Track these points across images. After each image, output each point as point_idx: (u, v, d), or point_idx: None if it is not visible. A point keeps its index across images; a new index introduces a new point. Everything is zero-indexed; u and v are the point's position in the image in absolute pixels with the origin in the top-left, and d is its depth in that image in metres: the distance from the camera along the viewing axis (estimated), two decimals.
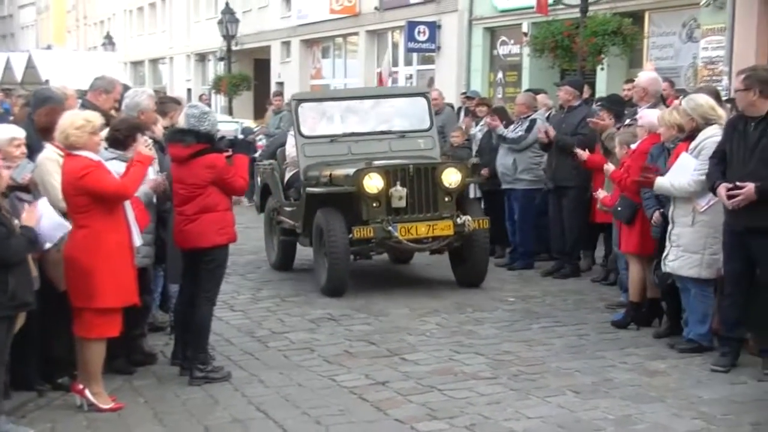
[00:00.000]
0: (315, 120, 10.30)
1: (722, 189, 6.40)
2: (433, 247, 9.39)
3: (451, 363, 6.93)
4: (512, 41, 20.78)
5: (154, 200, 6.85)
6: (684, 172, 6.82)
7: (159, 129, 7.40)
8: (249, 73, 32.26)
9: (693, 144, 6.91)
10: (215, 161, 6.53)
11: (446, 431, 5.57)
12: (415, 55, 24.20)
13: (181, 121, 6.85)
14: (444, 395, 6.20)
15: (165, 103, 8.16)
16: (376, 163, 9.33)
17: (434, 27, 22.53)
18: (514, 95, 15.34)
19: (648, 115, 7.87)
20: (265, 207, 11.18)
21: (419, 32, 22.48)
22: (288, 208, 10.28)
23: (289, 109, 17.93)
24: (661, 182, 6.96)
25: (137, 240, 6.16)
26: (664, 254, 7.04)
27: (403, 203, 9.07)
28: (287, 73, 31.32)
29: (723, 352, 6.68)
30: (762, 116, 6.37)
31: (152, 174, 6.73)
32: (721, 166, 6.53)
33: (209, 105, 19.71)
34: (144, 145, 6.33)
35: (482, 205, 10.72)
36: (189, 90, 38.16)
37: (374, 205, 9.07)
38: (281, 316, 8.62)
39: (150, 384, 6.65)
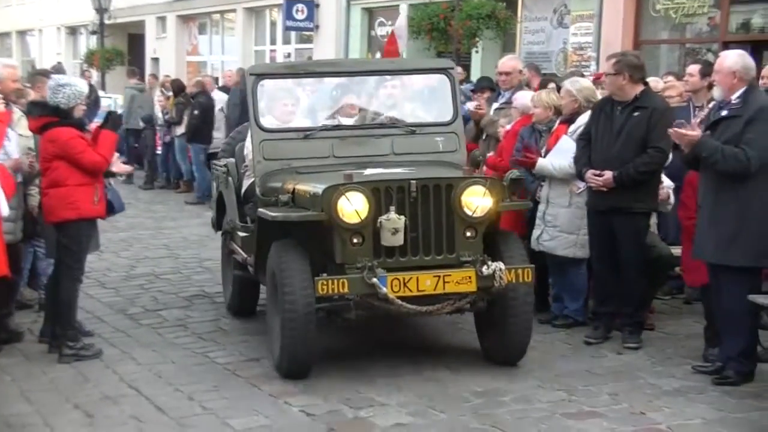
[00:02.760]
0: (283, 105, 7.13)
1: (589, 174, 6.66)
2: (444, 310, 6.13)
3: (323, 338, 6.98)
4: (390, 22, 20.91)
5: (19, 178, 6.68)
6: (565, 154, 7.02)
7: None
8: (123, 48, 31.50)
9: (573, 127, 7.13)
10: (57, 135, 6.41)
11: (319, 405, 5.64)
12: (293, 34, 24.10)
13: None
14: (317, 370, 6.27)
15: (34, 76, 8.00)
16: (367, 173, 6.23)
17: (312, 6, 22.46)
18: None
19: (522, 97, 8.07)
20: (222, 224, 7.93)
21: (297, 11, 22.38)
22: (241, 233, 7.18)
23: (141, 87, 17.64)
24: (543, 163, 7.11)
25: (4, 210, 6.00)
26: (538, 234, 7.25)
27: (399, 239, 5.88)
28: (163, 50, 30.70)
29: (596, 326, 6.97)
30: (629, 101, 6.64)
31: (16, 153, 6.59)
32: (588, 149, 6.77)
33: (90, 81, 19.01)
34: None
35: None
36: (59, 64, 36.99)
37: (354, 241, 5.88)
38: (155, 294, 8.54)
39: (17, 362, 6.51)
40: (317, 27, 22.64)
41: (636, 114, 6.57)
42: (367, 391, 5.85)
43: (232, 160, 7.76)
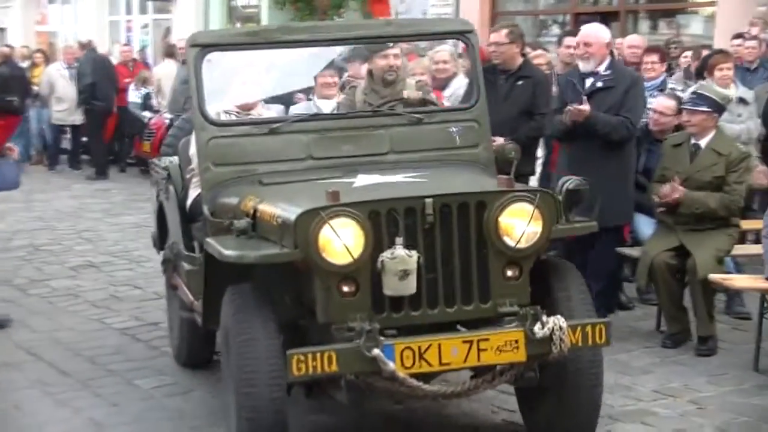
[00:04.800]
0: (239, 88, 5.46)
1: None
2: (477, 391, 4.30)
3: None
4: None
5: None
6: None
7: None
8: None
9: (447, 92, 7.45)
10: None
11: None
12: (150, 4, 23.76)
13: None
14: None
15: None
16: (358, 183, 4.46)
17: None
18: None
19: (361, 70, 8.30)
20: (164, 244, 5.84)
21: None
22: (186, 265, 5.18)
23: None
24: None
25: None
26: None
27: (410, 286, 3.98)
28: (9, 19, 29.64)
29: None
30: (513, 70, 6.76)
31: None
32: None
33: None
34: None
35: None
36: None
37: (344, 290, 4.01)
38: (38, 265, 8.53)
39: None
40: None
41: (520, 83, 6.74)
42: None
43: (176, 160, 5.77)
